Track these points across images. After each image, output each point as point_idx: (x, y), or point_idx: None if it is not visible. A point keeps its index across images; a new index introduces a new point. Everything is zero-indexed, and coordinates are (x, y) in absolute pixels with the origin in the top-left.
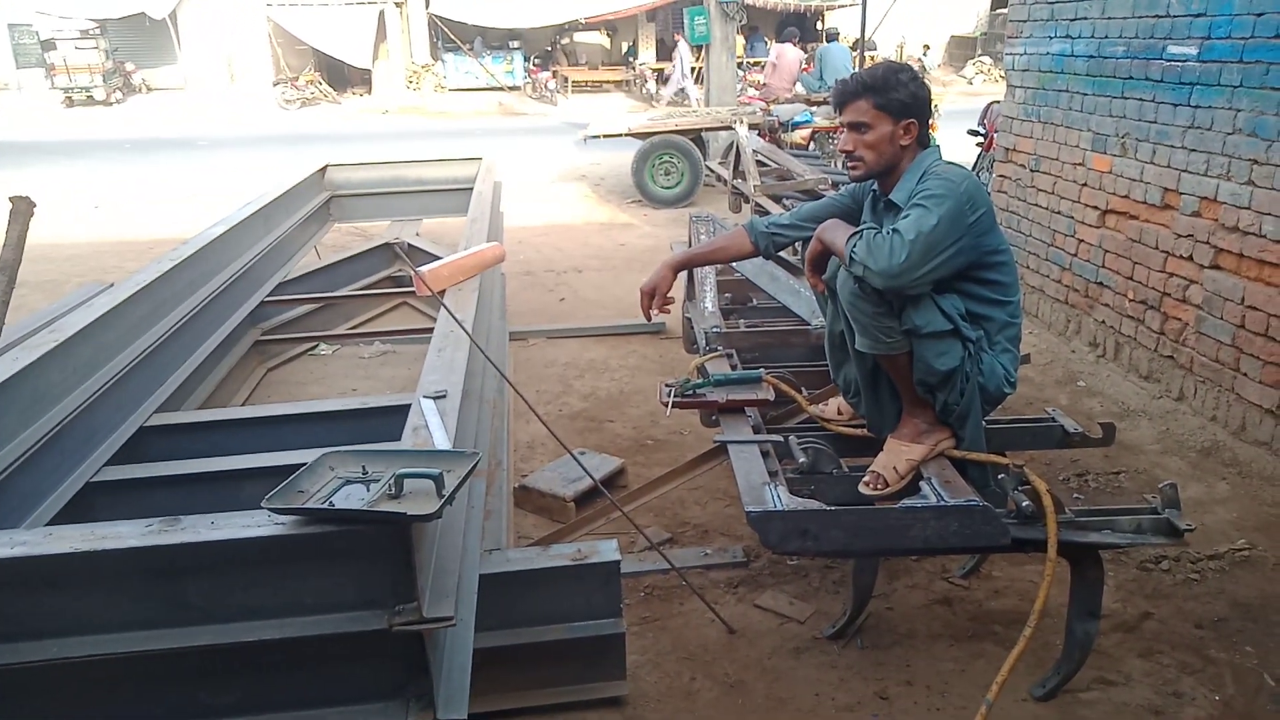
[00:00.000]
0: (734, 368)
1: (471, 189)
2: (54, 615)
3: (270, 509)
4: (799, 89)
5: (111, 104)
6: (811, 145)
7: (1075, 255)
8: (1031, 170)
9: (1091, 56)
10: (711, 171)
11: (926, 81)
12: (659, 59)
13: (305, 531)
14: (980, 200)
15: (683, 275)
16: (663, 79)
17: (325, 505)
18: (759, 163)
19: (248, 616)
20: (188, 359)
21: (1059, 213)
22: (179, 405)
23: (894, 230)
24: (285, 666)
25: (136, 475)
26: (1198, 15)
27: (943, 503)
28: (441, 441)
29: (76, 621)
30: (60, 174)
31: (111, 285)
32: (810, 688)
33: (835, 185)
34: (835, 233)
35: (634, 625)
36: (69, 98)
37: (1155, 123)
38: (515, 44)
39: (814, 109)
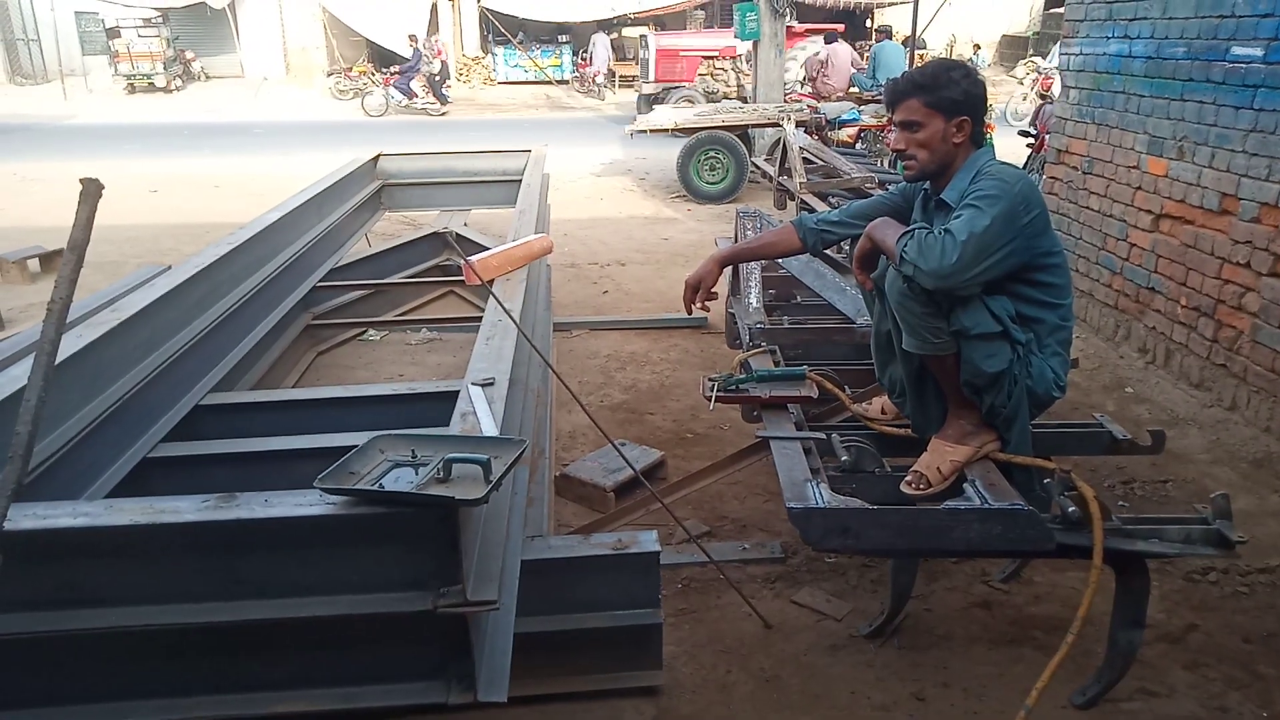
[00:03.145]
0: (777, 364)
1: (520, 181)
2: (114, 585)
3: (322, 489)
4: (852, 88)
5: (171, 91)
6: (859, 143)
7: (1126, 260)
8: (1084, 172)
9: (1150, 57)
10: (757, 168)
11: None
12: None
13: (355, 512)
14: (1034, 201)
15: (727, 270)
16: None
17: (375, 487)
18: (805, 160)
19: (298, 593)
20: (242, 340)
21: (1111, 216)
22: (232, 385)
23: (946, 230)
24: (333, 643)
25: (191, 452)
26: (1265, 15)
27: (987, 505)
28: (489, 428)
29: (135, 592)
30: (121, 158)
31: (169, 267)
32: (846, 685)
33: (882, 184)
34: (885, 231)
35: (671, 616)
36: (131, 84)
37: (1215, 126)
38: (564, 38)
39: (862, 107)
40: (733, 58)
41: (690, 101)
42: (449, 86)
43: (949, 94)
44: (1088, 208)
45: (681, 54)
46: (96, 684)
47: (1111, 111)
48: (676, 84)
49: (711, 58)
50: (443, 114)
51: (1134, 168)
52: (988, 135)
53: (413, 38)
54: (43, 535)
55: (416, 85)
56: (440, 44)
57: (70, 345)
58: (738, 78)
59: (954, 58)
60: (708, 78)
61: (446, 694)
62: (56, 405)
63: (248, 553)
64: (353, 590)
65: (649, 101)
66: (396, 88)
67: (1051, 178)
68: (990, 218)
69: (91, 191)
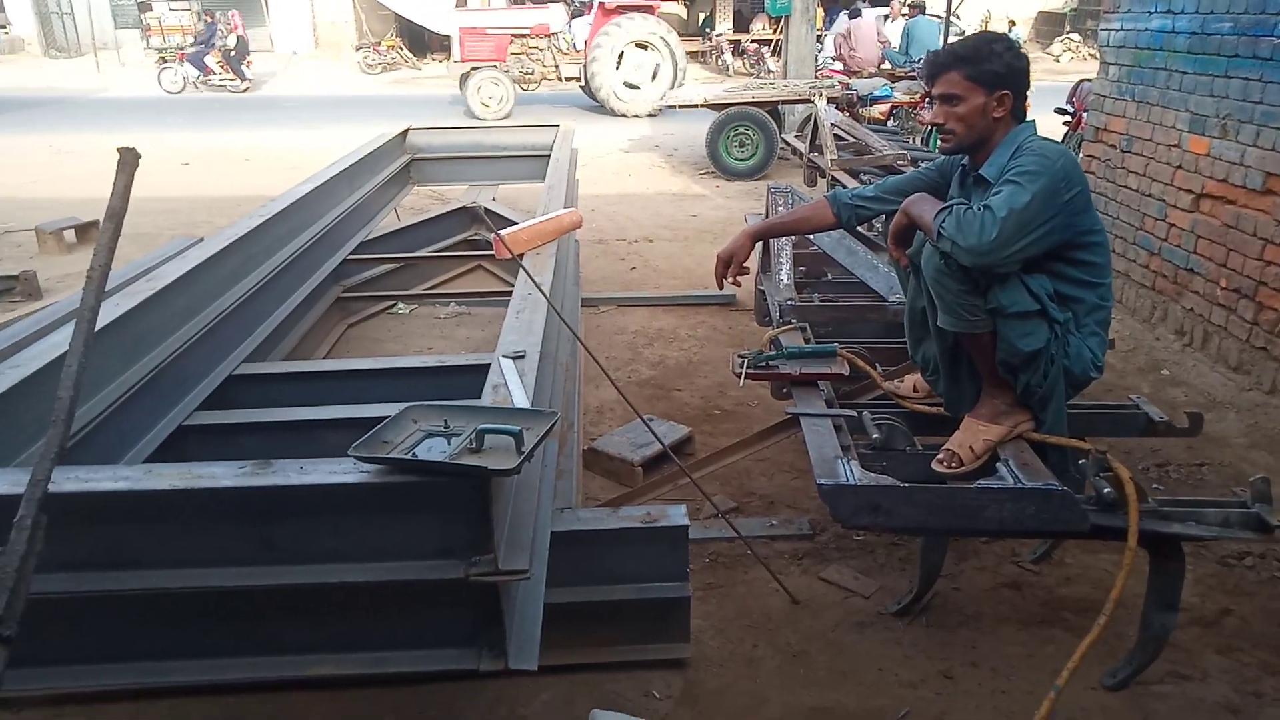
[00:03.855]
0: (807, 341)
1: (548, 156)
2: (153, 547)
3: (356, 457)
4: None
5: None
6: (891, 120)
7: (1165, 240)
8: (1122, 151)
9: (1194, 33)
10: (787, 145)
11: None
12: (736, 30)
13: (389, 480)
14: (1076, 178)
15: (757, 246)
16: (739, 50)
17: (409, 456)
18: (836, 137)
19: (332, 559)
20: (274, 312)
21: (1149, 195)
22: (265, 356)
23: (985, 206)
24: (366, 609)
25: (226, 421)
26: None
27: (1020, 485)
28: (520, 400)
29: (173, 554)
30: (152, 131)
31: (202, 239)
32: (873, 662)
33: (914, 161)
34: (922, 207)
35: (698, 591)
36: (162, 57)
37: (1261, 104)
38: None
39: (895, 83)
40: (547, 35)
41: (496, 84)
42: (249, 63)
43: (991, 67)
44: (1126, 187)
45: (488, 32)
46: (137, 643)
47: (1152, 89)
48: (486, 64)
49: (522, 36)
50: (244, 90)
51: (1174, 146)
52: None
53: (208, 13)
54: (85, 498)
55: (211, 61)
56: (237, 18)
57: (109, 313)
58: (554, 57)
59: (990, 31)
60: (522, 57)
61: (478, 661)
62: (96, 372)
63: (283, 519)
64: (386, 557)
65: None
66: (190, 63)
67: (1089, 156)
68: (1031, 194)
69: (129, 161)
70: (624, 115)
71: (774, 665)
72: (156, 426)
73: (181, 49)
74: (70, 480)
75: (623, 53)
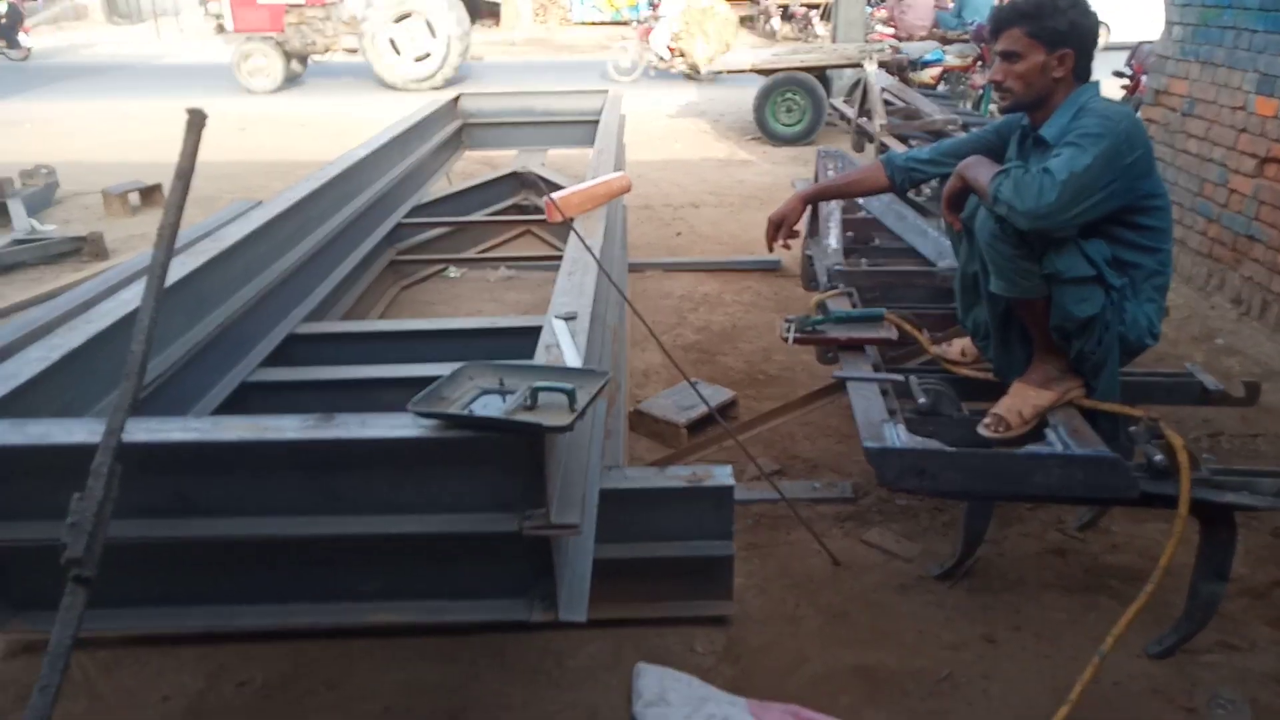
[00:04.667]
0: (854, 306)
1: (597, 121)
2: (220, 496)
3: (416, 411)
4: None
5: None
6: (941, 85)
7: (1225, 206)
8: (1183, 114)
9: None
10: (835, 110)
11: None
12: None
13: (446, 435)
14: (1139, 140)
15: (806, 211)
16: (787, 14)
17: (466, 412)
18: (885, 102)
19: (391, 510)
20: (331, 273)
21: (1210, 160)
22: (323, 316)
23: (1044, 169)
24: (423, 559)
25: (286, 378)
26: None
27: (1070, 451)
28: (573, 360)
29: (240, 503)
30: (210, 96)
31: (260, 203)
32: (914, 624)
33: (965, 126)
34: (978, 170)
35: (741, 550)
36: (220, 25)
37: None
38: None
39: (946, 47)
40: (323, 5)
41: (266, 56)
42: (27, 29)
43: (1053, 24)
44: (1185, 151)
45: (259, 2)
46: (205, 588)
47: (1219, 49)
48: (263, 34)
49: (298, 6)
50: (23, 59)
51: (1240, 109)
52: None
53: None
54: (156, 448)
55: None
56: None
57: (175, 273)
58: (336, 28)
59: None
60: (302, 28)
61: (529, 612)
62: (163, 330)
63: (345, 470)
64: (443, 510)
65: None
66: None
67: (1147, 120)
68: (1092, 156)
69: (196, 122)
70: (394, 87)
71: (816, 625)
72: (220, 383)
73: None
74: (143, 431)
75: (398, 22)
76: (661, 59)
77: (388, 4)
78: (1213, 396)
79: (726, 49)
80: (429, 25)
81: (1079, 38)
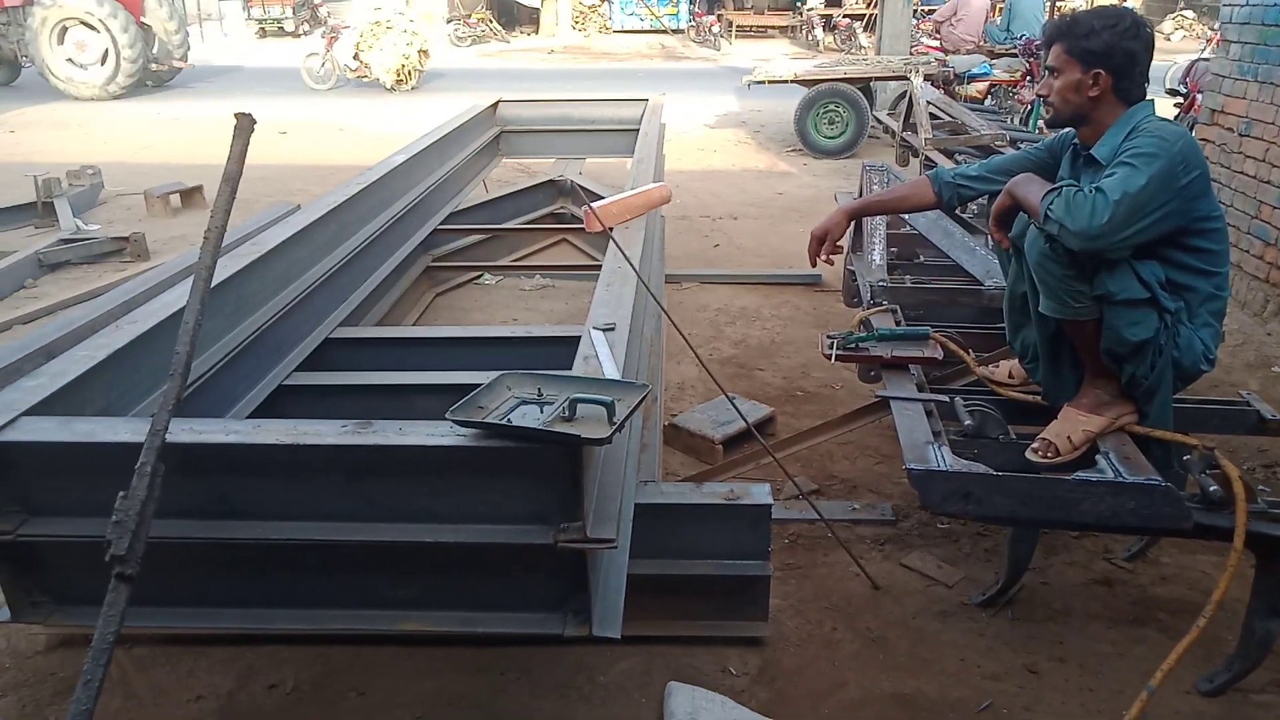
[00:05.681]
0: (898, 324)
1: (636, 130)
2: (258, 499)
3: (454, 420)
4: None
5: (299, 35)
6: (989, 99)
7: None
8: (1240, 135)
9: None
10: (879, 123)
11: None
12: (828, 4)
13: (484, 445)
14: (1195, 161)
15: (851, 225)
16: (830, 25)
17: (504, 422)
18: (931, 115)
19: (426, 519)
20: (368, 279)
21: (1269, 182)
22: (358, 321)
23: (1097, 188)
24: (456, 570)
25: (322, 382)
26: None
27: (1121, 479)
28: (611, 371)
29: (277, 507)
30: (251, 100)
31: (298, 207)
32: (955, 652)
33: (1013, 142)
34: (1029, 188)
35: (777, 571)
36: (262, 29)
37: None
38: None
39: (994, 61)
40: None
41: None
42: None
43: (1087, 44)
44: (1241, 173)
45: None
46: (241, 590)
47: (1279, 68)
48: None
49: None
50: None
51: None
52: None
53: None
54: (197, 449)
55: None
56: None
57: (217, 275)
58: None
59: (1118, 6)
60: None
61: (563, 626)
62: (205, 331)
63: (381, 477)
64: (478, 520)
65: None
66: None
67: (1202, 140)
68: (1146, 177)
69: (244, 126)
70: (71, 96)
71: (853, 649)
72: (258, 385)
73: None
74: (184, 431)
75: (65, 29)
76: (350, 69)
77: (57, 11)
78: (1269, 426)
79: (408, 61)
80: (112, 35)
81: (1113, 59)
